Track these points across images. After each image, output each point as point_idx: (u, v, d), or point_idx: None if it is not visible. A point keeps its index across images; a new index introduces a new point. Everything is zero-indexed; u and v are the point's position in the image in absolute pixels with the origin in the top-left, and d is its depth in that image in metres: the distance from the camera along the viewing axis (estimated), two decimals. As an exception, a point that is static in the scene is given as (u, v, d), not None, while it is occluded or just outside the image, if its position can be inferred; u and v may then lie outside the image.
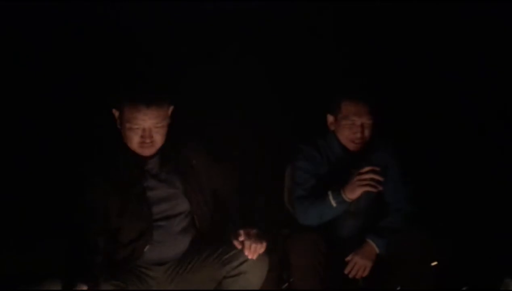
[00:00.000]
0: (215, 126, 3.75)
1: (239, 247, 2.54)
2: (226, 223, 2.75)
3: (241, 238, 2.54)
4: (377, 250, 2.89)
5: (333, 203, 2.84)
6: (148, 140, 2.64)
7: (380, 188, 2.79)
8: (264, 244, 2.54)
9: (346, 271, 2.87)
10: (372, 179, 2.76)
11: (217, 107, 4.01)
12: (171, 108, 2.74)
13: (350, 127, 2.96)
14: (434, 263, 2.84)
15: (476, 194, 3.67)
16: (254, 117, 4.02)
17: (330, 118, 3.06)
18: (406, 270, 2.81)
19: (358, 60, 4.13)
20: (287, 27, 4.35)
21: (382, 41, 4.25)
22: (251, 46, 4.27)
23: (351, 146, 2.99)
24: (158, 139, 2.67)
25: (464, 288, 3.03)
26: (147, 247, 2.67)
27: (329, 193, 2.85)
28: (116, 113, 2.71)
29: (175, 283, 2.71)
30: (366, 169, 2.78)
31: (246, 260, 2.52)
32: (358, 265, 2.87)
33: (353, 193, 2.81)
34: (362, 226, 3.01)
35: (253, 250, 2.51)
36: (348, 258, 2.89)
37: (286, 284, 3.03)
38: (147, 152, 2.69)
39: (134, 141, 2.65)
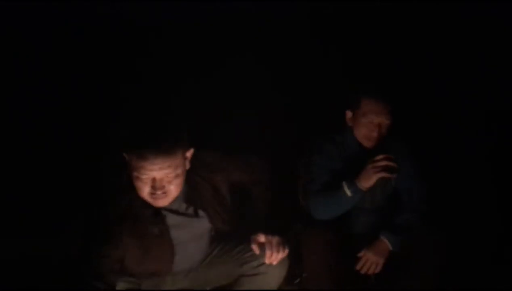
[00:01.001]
0: (220, 126, 3.74)
1: (257, 252, 2.47)
2: (243, 217, 2.71)
3: (261, 240, 2.48)
4: (390, 247, 2.88)
5: (348, 193, 2.82)
6: (159, 192, 2.34)
7: (395, 175, 2.80)
8: (286, 251, 2.46)
9: (358, 267, 2.87)
10: (386, 166, 2.76)
11: (220, 107, 3.98)
12: (190, 151, 2.45)
13: (368, 125, 2.95)
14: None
15: (492, 196, 3.66)
16: (264, 114, 4.00)
17: (349, 114, 3.04)
18: (418, 269, 2.80)
19: (358, 60, 4.14)
20: (287, 27, 4.34)
21: (382, 41, 4.25)
22: (252, 46, 4.26)
23: (366, 143, 2.98)
24: (172, 189, 2.38)
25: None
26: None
27: (344, 183, 2.85)
28: (126, 157, 2.38)
29: (190, 277, 2.68)
30: (381, 156, 2.78)
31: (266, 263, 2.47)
32: (370, 261, 2.86)
33: (368, 181, 2.80)
34: (376, 223, 3.00)
35: (274, 258, 2.44)
36: (360, 254, 2.88)
37: (298, 279, 3.02)
38: (160, 203, 2.40)
39: (144, 192, 2.36)
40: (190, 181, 2.53)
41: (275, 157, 3.55)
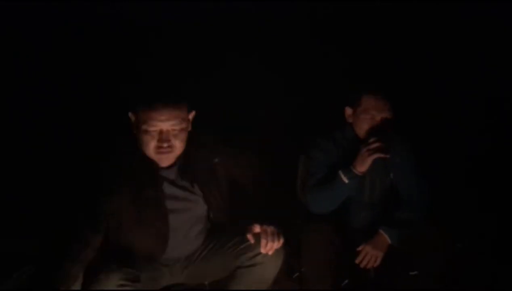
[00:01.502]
0: (220, 125, 3.73)
1: (252, 241, 2.49)
2: (242, 213, 2.70)
3: (256, 231, 2.50)
4: (389, 241, 2.86)
5: (345, 179, 2.83)
6: (165, 145, 2.45)
7: (388, 155, 2.82)
8: (281, 241, 2.48)
9: (357, 261, 2.84)
10: (379, 147, 2.79)
11: (220, 106, 3.99)
12: (192, 113, 2.59)
13: (369, 122, 2.94)
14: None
15: (493, 192, 3.65)
16: (263, 112, 4.02)
17: (348, 110, 3.04)
18: (418, 264, 2.79)
19: (358, 58, 4.15)
20: (287, 26, 4.36)
21: (381, 39, 4.27)
22: (252, 45, 4.28)
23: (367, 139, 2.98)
24: (177, 144, 2.49)
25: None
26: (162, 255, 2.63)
27: (339, 171, 2.85)
28: (132, 117, 2.52)
29: (188, 271, 2.68)
30: (372, 139, 2.81)
31: (262, 252, 2.49)
32: (369, 255, 2.84)
33: (363, 165, 2.82)
34: (375, 218, 2.98)
35: (269, 248, 2.46)
36: (359, 248, 2.86)
37: (297, 274, 3.02)
38: (164, 158, 2.51)
39: (151, 147, 2.47)
40: (188, 156, 2.61)
41: (275, 153, 3.60)
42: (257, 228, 2.51)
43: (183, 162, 2.60)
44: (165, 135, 2.45)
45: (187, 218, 2.63)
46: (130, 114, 2.53)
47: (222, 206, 2.69)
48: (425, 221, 2.93)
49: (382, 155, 2.80)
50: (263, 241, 2.45)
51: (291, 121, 4.06)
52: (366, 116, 2.94)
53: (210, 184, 2.64)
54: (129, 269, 2.41)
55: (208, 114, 3.77)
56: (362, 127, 2.97)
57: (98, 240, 2.44)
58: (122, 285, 2.33)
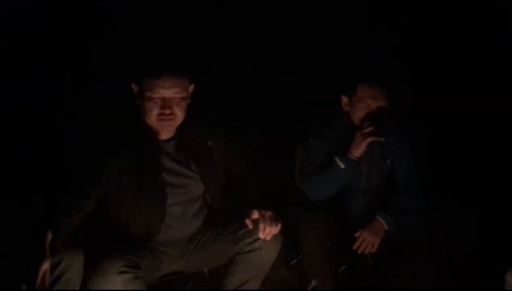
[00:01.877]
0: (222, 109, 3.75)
1: (251, 226, 2.53)
2: (239, 200, 2.74)
3: (255, 216, 2.55)
4: (386, 227, 2.90)
5: (341, 165, 2.88)
6: (168, 111, 2.54)
7: (382, 139, 2.89)
8: (279, 226, 2.52)
9: (354, 247, 2.87)
10: (373, 131, 2.85)
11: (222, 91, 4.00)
12: (192, 86, 2.68)
13: (365, 110, 2.97)
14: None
15: (493, 192, 3.65)
16: (262, 100, 4.03)
17: (345, 99, 3.06)
18: (418, 263, 2.80)
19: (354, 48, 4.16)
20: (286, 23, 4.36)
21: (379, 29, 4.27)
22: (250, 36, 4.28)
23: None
24: (178, 112, 2.58)
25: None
26: (159, 233, 2.66)
27: (335, 157, 2.91)
28: (135, 88, 2.62)
29: (186, 258, 2.71)
30: (366, 124, 2.89)
31: (260, 237, 2.52)
32: (367, 241, 2.87)
33: (358, 149, 2.88)
34: (373, 204, 3.01)
35: (267, 232, 2.50)
36: (357, 234, 2.89)
37: (295, 260, 3.04)
38: (166, 126, 2.60)
39: (154, 113, 2.56)
40: (186, 133, 2.70)
41: (273, 141, 3.61)
42: (255, 214, 2.55)
43: (181, 135, 2.69)
44: (168, 102, 2.55)
45: (184, 193, 2.67)
46: (133, 85, 2.63)
47: (219, 189, 2.75)
48: (425, 210, 2.97)
49: (376, 139, 2.86)
50: (261, 226, 2.49)
51: (290, 107, 4.07)
52: (362, 105, 2.97)
53: (207, 164, 2.71)
54: (130, 256, 2.43)
55: (206, 105, 3.82)
56: (358, 116, 3.00)
57: (97, 192, 2.52)
58: (124, 272, 2.36)
